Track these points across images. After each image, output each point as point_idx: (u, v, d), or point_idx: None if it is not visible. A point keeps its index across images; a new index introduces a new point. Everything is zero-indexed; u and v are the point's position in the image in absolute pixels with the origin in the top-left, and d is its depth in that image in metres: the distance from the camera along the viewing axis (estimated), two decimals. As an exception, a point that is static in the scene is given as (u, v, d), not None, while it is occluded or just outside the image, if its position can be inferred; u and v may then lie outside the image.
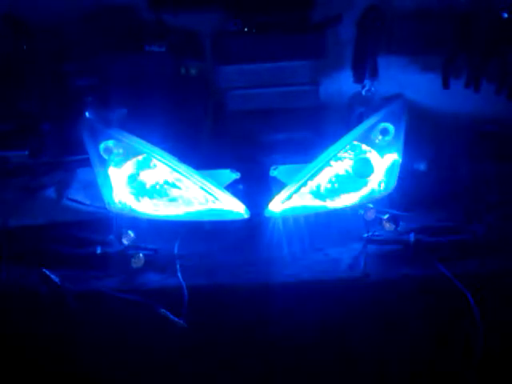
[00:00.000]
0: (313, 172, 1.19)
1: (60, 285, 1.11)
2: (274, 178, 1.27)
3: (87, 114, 1.33)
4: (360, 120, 1.38)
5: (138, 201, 1.22)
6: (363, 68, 1.52)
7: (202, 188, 1.18)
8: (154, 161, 1.18)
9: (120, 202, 1.21)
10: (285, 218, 1.23)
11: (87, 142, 1.17)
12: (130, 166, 1.19)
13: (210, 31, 1.51)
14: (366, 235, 1.24)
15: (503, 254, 1.17)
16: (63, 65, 1.52)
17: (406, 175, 1.29)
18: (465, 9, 1.49)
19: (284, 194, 1.19)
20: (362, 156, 1.22)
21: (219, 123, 1.52)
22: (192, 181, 1.18)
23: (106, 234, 1.22)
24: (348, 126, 1.27)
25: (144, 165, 1.19)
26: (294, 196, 1.20)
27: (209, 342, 1.13)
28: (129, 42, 1.48)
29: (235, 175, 1.26)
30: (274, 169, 1.27)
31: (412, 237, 1.21)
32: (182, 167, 1.17)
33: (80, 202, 1.35)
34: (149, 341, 1.12)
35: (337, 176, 1.22)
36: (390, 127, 1.19)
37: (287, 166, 1.27)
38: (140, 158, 1.18)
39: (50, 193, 1.39)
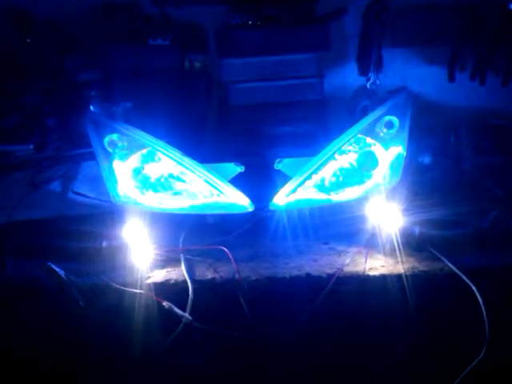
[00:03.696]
0: (317, 165, 1.18)
1: (65, 278, 1.11)
2: (279, 172, 1.26)
3: (92, 107, 1.33)
4: (364, 113, 1.38)
5: (143, 194, 1.22)
6: (368, 61, 1.51)
7: (207, 181, 1.18)
8: (159, 154, 1.18)
9: (125, 196, 1.22)
10: (289, 211, 1.23)
11: (92, 136, 1.17)
12: (134, 160, 1.19)
13: (214, 24, 1.50)
14: (370, 229, 1.23)
15: (509, 247, 1.17)
16: (67, 59, 1.52)
17: (410, 168, 1.29)
18: (471, 0, 1.48)
19: (288, 187, 1.19)
20: (367, 149, 1.22)
21: (223, 116, 1.52)
22: (196, 174, 1.18)
23: (110, 228, 1.22)
24: (352, 119, 1.27)
25: (148, 158, 1.19)
26: (299, 189, 1.20)
27: (213, 335, 1.13)
28: (133, 35, 1.47)
29: (239, 168, 1.26)
30: (279, 162, 1.27)
31: (417, 230, 1.21)
32: (187, 160, 1.17)
33: (85, 196, 1.36)
34: (154, 334, 1.13)
35: (341, 169, 1.22)
36: (395, 120, 1.19)
37: (291, 160, 1.26)
38: (144, 151, 1.18)
39: (55, 187, 1.40)
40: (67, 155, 1.47)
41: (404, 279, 1.12)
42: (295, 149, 1.32)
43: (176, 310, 1.09)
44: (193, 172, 1.18)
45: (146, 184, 1.21)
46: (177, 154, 1.17)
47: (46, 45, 1.50)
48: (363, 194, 1.24)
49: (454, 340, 1.14)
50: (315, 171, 1.19)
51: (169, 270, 1.16)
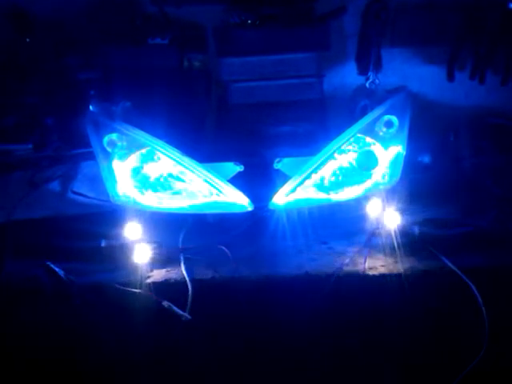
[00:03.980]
0: (317, 165, 1.18)
1: (64, 278, 1.11)
2: (278, 171, 1.26)
3: (91, 107, 1.33)
4: (364, 112, 1.38)
5: (142, 194, 1.22)
6: (367, 60, 1.51)
7: (206, 181, 1.18)
8: (158, 154, 1.18)
9: (124, 195, 1.22)
10: (289, 210, 1.23)
11: (91, 136, 1.17)
12: (133, 159, 1.19)
13: (213, 23, 1.50)
14: (370, 228, 1.23)
15: (508, 246, 1.17)
16: (66, 58, 1.52)
17: (410, 168, 1.28)
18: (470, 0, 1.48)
19: (288, 186, 1.19)
20: (366, 148, 1.22)
21: (223, 116, 1.51)
22: (196, 174, 1.18)
23: (110, 227, 1.22)
24: (352, 119, 1.27)
25: (148, 158, 1.19)
26: (298, 189, 1.19)
27: (213, 334, 1.13)
28: (132, 34, 1.47)
29: (239, 168, 1.26)
30: (278, 162, 1.27)
31: (416, 230, 1.21)
32: (186, 160, 1.17)
33: (84, 196, 1.36)
34: (153, 334, 1.13)
35: (341, 169, 1.22)
36: (394, 119, 1.19)
37: (291, 159, 1.26)
38: (144, 151, 1.18)
39: (54, 186, 1.40)
40: (67, 155, 1.47)
41: (404, 279, 1.12)
42: (295, 148, 1.32)
43: (176, 309, 1.09)
44: (192, 171, 1.17)
45: (145, 184, 1.21)
46: (176, 154, 1.17)
47: (46, 44, 1.50)
48: (363, 193, 1.24)
49: (454, 339, 1.14)
50: (315, 170, 1.19)
51: (168, 269, 1.16)
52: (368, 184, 1.24)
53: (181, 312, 1.09)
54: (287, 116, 1.46)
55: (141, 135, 1.17)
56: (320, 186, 1.21)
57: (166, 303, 1.09)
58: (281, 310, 1.13)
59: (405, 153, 1.22)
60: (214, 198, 1.20)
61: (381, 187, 1.24)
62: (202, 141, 1.48)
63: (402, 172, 1.24)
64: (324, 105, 1.50)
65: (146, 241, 1.19)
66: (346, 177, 1.22)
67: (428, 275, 1.12)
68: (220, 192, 1.18)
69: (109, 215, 1.26)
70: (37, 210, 1.30)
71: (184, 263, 1.16)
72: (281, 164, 1.26)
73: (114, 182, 1.20)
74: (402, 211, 1.23)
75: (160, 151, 1.17)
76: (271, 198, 1.20)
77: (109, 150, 1.17)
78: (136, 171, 1.20)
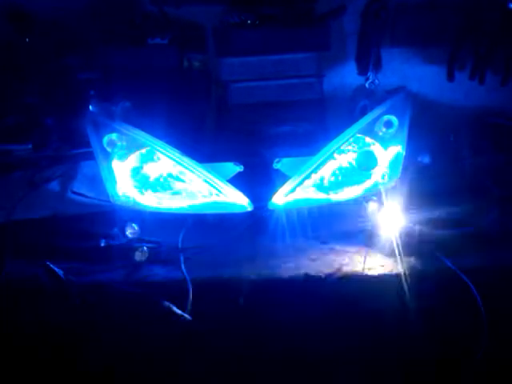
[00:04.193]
0: (316, 165, 1.18)
1: (64, 277, 1.11)
2: (278, 171, 1.26)
3: (91, 107, 1.33)
4: (363, 112, 1.38)
5: (142, 194, 1.22)
6: (367, 60, 1.51)
7: (206, 181, 1.18)
8: (158, 154, 1.18)
9: (124, 195, 1.22)
10: (288, 210, 1.23)
11: (91, 136, 1.17)
12: (133, 159, 1.19)
13: (213, 23, 1.50)
14: (369, 228, 1.24)
15: (508, 246, 1.17)
16: (66, 58, 1.52)
17: (409, 168, 1.29)
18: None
19: (287, 186, 1.19)
20: (366, 149, 1.22)
21: (222, 116, 1.51)
22: (196, 174, 1.18)
23: (109, 227, 1.22)
24: (351, 119, 1.26)
25: (147, 158, 1.19)
26: (298, 189, 1.20)
27: (212, 334, 1.13)
28: (132, 34, 1.47)
29: (238, 168, 1.26)
30: (278, 162, 1.27)
31: (416, 230, 1.21)
32: (186, 160, 1.17)
33: (84, 195, 1.36)
34: (152, 334, 1.13)
35: (340, 169, 1.22)
36: (394, 119, 1.19)
37: (290, 159, 1.27)
38: (143, 150, 1.18)
39: (54, 186, 1.40)
40: (66, 155, 1.47)
41: (403, 279, 1.12)
42: (294, 148, 1.32)
43: (175, 309, 1.09)
44: (192, 172, 1.18)
45: (144, 184, 1.21)
46: (176, 154, 1.17)
47: (46, 44, 1.50)
48: (362, 193, 1.24)
49: (453, 340, 1.14)
50: (314, 171, 1.19)
51: (168, 269, 1.16)
52: (368, 184, 1.24)
53: (180, 312, 1.09)
54: (287, 116, 1.46)
55: (140, 135, 1.17)
56: (319, 186, 1.21)
57: (165, 303, 1.09)
58: (280, 310, 1.13)
59: (404, 153, 1.22)
60: (214, 198, 1.20)
61: (380, 187, 1.24)
62: (201, 141, 1.48)
63: (401, 172, 1.24)
64: (324, 105, 1.50)
65: (146, 241, 1.19)
66: (346, 177, 1.22)
67: (427, 275, 1.12)
68: (220, 192, 1.19)
69: (108, 215, 1.26)
70: (37, 210, 1.30)
71: (184, 263, 1.16)
72: (280, 164, 1.26)
73: (114, 182, 1.20)
74: (402, 211, 1.23)
75: (160, 151, 1.17)
76: (271, 198, 1.20)
77: (108, 149, 1.17)
78: (136, 171, 1.20)
